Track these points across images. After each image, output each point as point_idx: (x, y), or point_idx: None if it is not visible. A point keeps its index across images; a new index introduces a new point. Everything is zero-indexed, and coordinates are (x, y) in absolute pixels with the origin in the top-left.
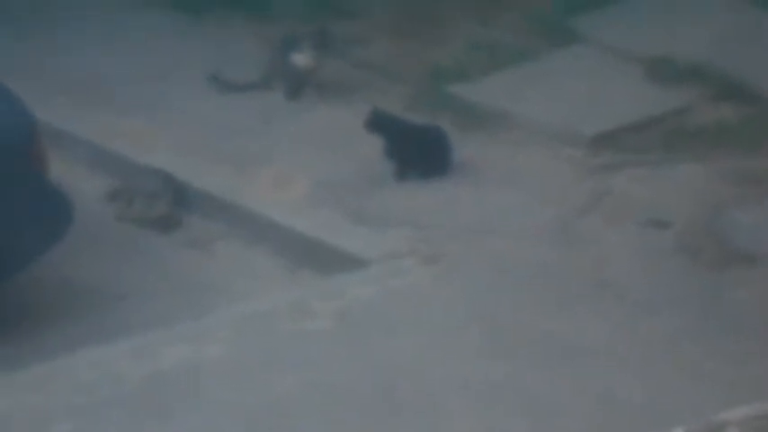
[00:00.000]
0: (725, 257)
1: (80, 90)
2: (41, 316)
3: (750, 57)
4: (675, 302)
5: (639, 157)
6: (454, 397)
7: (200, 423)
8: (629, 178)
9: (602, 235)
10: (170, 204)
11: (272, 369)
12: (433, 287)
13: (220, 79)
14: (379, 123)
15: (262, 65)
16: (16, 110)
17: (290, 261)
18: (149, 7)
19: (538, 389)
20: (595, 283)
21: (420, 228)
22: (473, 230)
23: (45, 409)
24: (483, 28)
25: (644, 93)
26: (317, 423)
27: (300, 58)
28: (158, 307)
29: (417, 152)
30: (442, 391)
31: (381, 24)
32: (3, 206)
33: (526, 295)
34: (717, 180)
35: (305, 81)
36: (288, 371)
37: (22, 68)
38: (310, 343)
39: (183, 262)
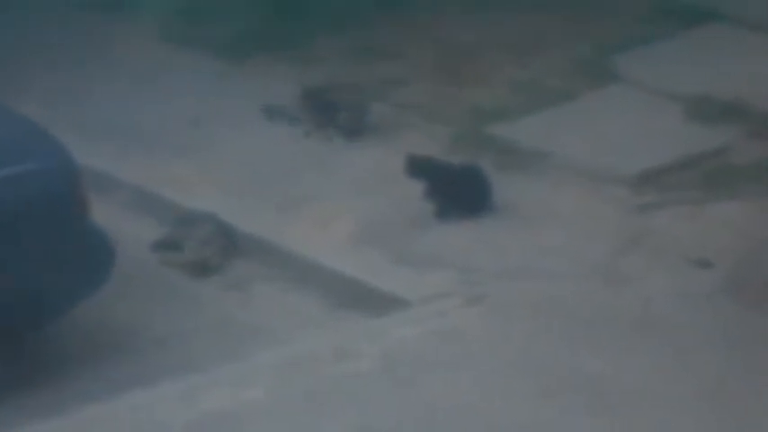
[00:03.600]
0: None
1: (122, 135)
2: (82, 360)
3: None
4: (719, 342)
5: (681, 195)
6: None
7: None
8: (672, 217)
9: (645, 275)
10: (222, 251)
11: (315, 412)
12: (477, 328)
13: (273, 109)
14: (418, 168)
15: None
16: (59, 155)
17: (333, 302)
18: (192, 51)
19: (583, 430)
20: (639, 324)
21: (463, 269)
22: (515, 271)
23: None
24: (523, 69)
25: (684, 132)
26: None
27: None
28: (199, 350)
29: (458, 193)
30: None
31: (421, 66)
32: (46, 251)
33: (570, 336)
34: (759, 218)
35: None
36: (332, 414)
37: (65, 114)
38: (354, 385)
39: (224, 304)
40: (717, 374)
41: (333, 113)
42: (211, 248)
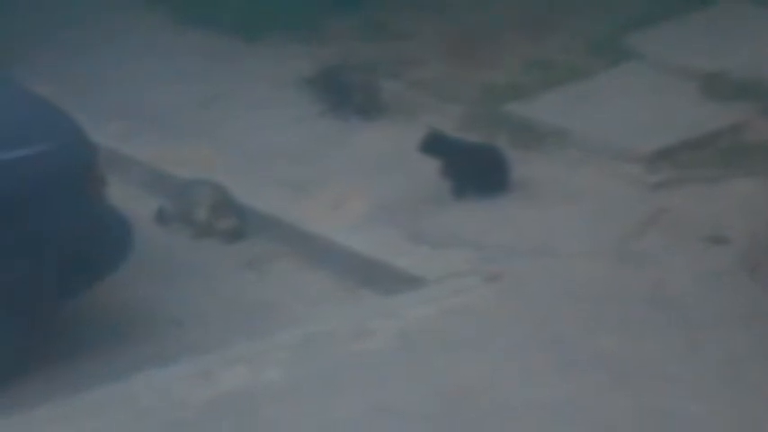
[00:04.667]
0: None
1: (134, 115)
2: (99, 340)
3: None
4: (735, 320)
5: (697, 173)
6: (516, 418)
7: None
8: (687, 195)
9: (660, 252)
10: (235, 215)
11: (332, 391)
12: (493, 307)
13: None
14: (435, 145)
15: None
16: (75, 135)
17: (349, 281)
18: (203, 31)
19: (599, 408)
20: (655, 302)
21: (479, 247)
22: (532, 249)
23: None
24: (537, 47)
25: (700, 109)
26: None
27: None
28: (216, 329)
29: (475, 171)
30: (504, 411)
31: (435, 45)
32: (63, 231)
33: (586, 314)
34: None
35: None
36: (348, 393)
37: (78, 93)
38: (371, 364)
39: (241, 283)
40: (732, 352)
41: (347, 93)
42: (220, 211)
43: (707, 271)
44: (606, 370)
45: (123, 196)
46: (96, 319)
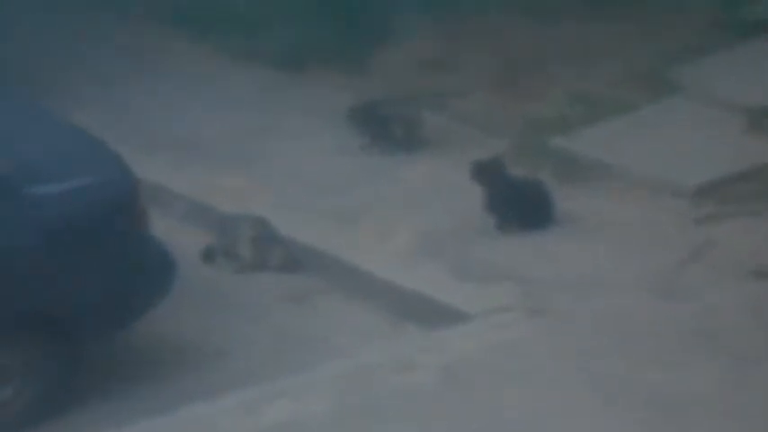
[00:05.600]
0: None
1: (180, 146)
2: (144, 372)
3: None
4: None
5: (742, 207)
6: None
7: None
8: (732, 229)
9: (705, 286)
10: (279, 247)
11: (376, 424)
12: (537, 341)
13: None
14: (485, 172)
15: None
16: (118, 168)
17: (392, 315)
18: (247, 63)
19: None
20: (699, 336)
21: (523, 281)
22: (576, 283)
23: None
24: (581, 80)
25: (745, 143)
26: None
27: None
28: (260, 362)
29: (519, 205)
30: None
31: (478, 77)
32: (107, 264)
33: (630, 348)
34: None
35: (417, 137)
36: (392, 426)
37: (122, 124)
38: (414, 398)
39: (285, 316)
40: None
41: (388, 126)
42: (262, 244)
43: (751, 305)
44: (649, 404)
45: (166, 228)
46: (140, 353)
